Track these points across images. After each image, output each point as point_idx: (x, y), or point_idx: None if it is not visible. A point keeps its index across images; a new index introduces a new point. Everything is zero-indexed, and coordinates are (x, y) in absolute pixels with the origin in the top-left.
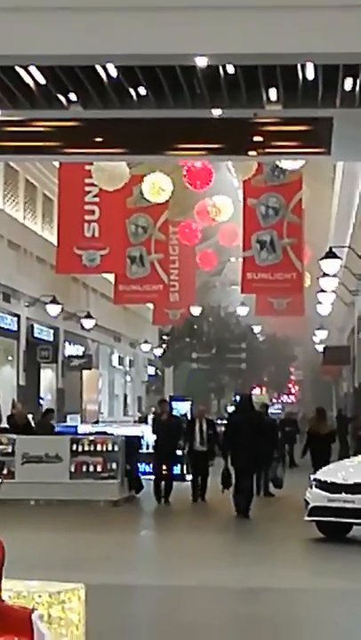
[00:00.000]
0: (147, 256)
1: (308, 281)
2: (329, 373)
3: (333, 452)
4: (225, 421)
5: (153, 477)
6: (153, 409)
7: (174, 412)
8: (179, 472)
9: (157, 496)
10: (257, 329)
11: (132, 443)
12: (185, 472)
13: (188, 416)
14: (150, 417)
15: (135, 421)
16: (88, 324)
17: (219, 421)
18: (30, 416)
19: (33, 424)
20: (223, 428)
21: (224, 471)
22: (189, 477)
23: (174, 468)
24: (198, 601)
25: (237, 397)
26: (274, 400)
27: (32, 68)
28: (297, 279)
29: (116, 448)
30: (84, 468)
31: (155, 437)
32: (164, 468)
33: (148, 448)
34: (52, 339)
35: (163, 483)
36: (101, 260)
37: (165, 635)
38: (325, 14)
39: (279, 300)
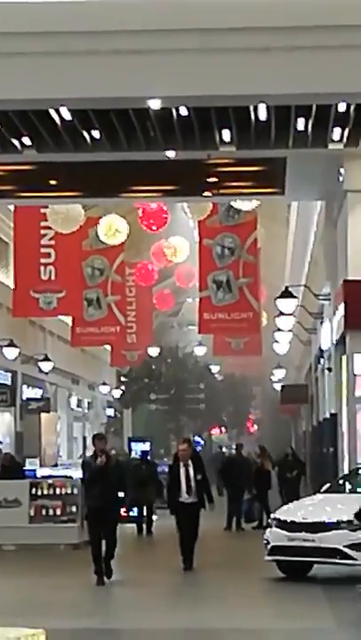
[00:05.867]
0: (103, 298)
1: (265, 320)
2: (287, 412)
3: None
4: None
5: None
6: (113, 451)
7: (134, 453)
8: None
9: (99, 572)
10: (215, 369)
11: None
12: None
13: (148, 457)
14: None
15: None
16: (46, 366)
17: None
18: None
19: None
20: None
21: None
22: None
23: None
24: None
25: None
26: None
27: None
28: (254, 319)
29: (75, 491)
30: (44, 512)
31: (85, 488)
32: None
33: None
34: (9, 382)
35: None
36: (58, 302)
37: None
38: (276, 56)
39: (237, 340)
